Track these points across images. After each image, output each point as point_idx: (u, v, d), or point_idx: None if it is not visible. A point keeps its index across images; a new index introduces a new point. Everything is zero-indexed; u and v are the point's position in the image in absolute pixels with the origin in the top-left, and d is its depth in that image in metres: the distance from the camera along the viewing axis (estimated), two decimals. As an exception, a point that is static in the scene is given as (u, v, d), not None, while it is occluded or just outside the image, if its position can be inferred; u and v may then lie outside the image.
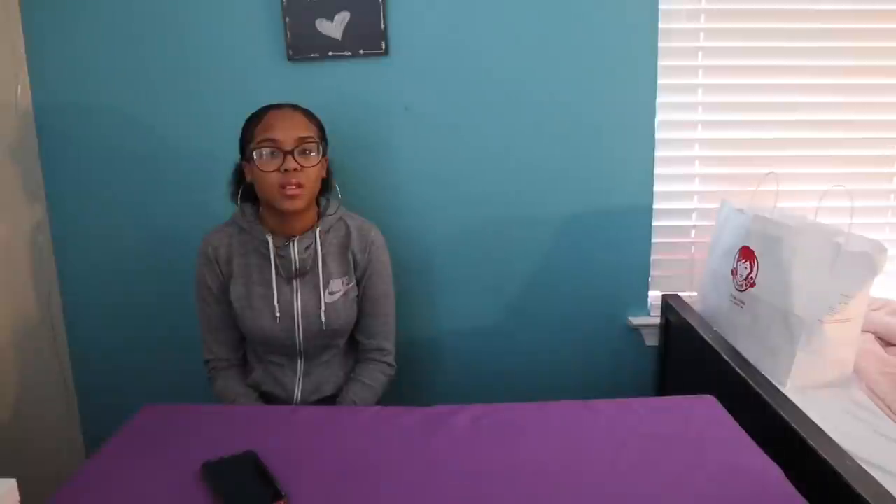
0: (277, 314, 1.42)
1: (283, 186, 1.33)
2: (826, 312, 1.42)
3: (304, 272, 1.44)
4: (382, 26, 1.71)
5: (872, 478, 1.03)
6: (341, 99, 1.77)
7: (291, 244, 1.42)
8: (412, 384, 1.94)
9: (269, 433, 1.20)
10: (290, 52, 1.73)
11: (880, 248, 1.39)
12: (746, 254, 1.58)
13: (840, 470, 1.05)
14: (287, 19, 1.70)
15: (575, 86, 1.77)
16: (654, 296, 1.93)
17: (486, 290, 1.91)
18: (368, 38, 1.72)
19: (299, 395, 1.49)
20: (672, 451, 1.13)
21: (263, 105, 1.42)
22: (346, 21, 1.71)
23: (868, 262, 1.39)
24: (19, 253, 1.76)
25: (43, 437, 1.83)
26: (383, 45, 1.73)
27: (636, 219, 1.86)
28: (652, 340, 1.93)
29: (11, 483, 0.83)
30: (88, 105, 1.79)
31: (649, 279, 1.92)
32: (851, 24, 1.81)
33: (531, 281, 1.90)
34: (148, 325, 1.92)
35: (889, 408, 1.37)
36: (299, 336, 1.45)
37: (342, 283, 1.47)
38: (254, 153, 1.34)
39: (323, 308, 1.44)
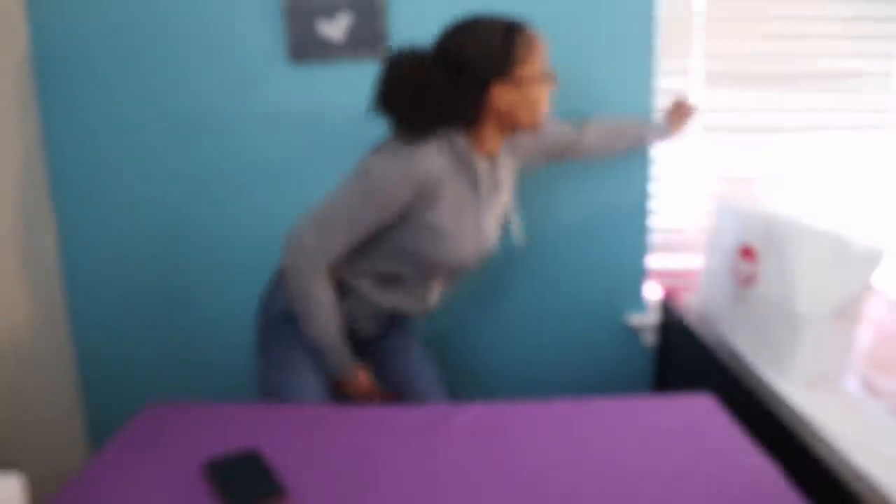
0: (481, 237, 1.38)
1: (543, 108, 1.33)
2: (827, 310, 1.42)
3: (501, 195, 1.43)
4: (384, 27, 1.72)
5: (872, 477, 1.03)
6: (342, 100, 1.78)
7: (496, 167, 1.40)
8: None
9: (271, 432, 1.21)
10: (292, 54, 1.73)
11: (881, 246, 1.40)
12: (747, 252, 1.59)
13: (838, 469, 1.06)
14: (288, 20, 1.71)
15: (573, 85, 1.77)
16: (653, 295, 1.94)
17: (485, 290, 1.91)
18: (370, 40, 1.73)
19: (432, 306, 1.49)
20: (670, 450, 1.14)
21: (506, 21, 1.27)
22: (348, 22, 1.72)
23: (869, 259, 1.40)
24: (24, 249, 1.76)
25: (48, 433, 1.84)
26: (384, 47, 1.73)
27: (633, 218, 1.87)
28: (650, 340, 1.94)
29: (18, 479, 0.83)
30: (91, 104, 1.80)
31: (647, 279, 1.93)
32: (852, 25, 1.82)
33: (528, 281, 1.90)
34: (153, 322, 1.93)
35: (889, 405, 1.37)
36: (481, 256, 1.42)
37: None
38: (534, 76, 1.29)
39: (511, 228, 1.44)
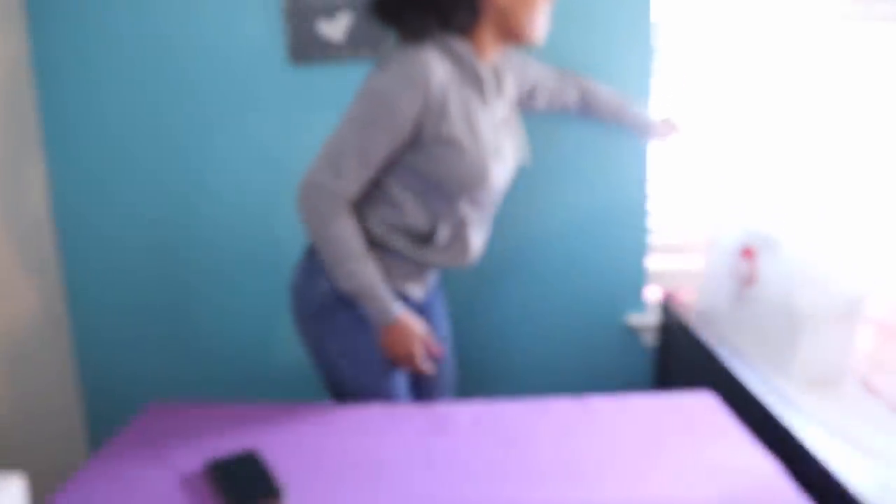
0: (499, 151, 1.30)
1: (542, 17, 1.28)
2: (827, 310, 1.43)
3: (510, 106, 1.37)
4: (384, 28, 1.71)
5: (872, 476, 1.03)
6: (342, 100, 1.77)
7: (500, 77, 1.33)
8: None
9: (271, 432, 1.21)
10: (291, 54, 1.73)
11: (880, 245, 1.40)
12: (747, 252, 1.59)
13: (839, 468, 1.06)
14: (288, 20, 1.71)
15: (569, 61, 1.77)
16: (652, 296, 1.94)
17: (485, 290, 1.91)
18: (370, 40, 1.73)
19: (476, 255, 1.39)
20: (671, 448, 1.14)
21: None
22: (348, 22, 1.72)
23: (869, 259, 1.40)
24: (24, 248, 1.76)
25: (48, 433, 1.84)
26: (384, 47, 1.73)
27: (633, 218, 1.87)
28: (650, 340, 1.94)
29: (20, 478, 0.83)
30: (90, 105, 1.80)
31: (647, 279, 1.93)
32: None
33: (528, 281, 1.90)
34: (153, 322, 1.93)
35: (889, 405, 1.37)
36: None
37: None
38: None
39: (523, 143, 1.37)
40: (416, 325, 1.31)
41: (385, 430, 1.21)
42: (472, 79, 1.26)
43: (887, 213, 1.96)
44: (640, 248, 1.89)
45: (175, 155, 1.82)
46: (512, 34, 1.27)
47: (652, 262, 1.93)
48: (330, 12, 1.71)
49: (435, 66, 1.20)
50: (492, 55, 1.30)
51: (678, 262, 1.96)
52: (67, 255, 1.90)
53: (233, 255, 1.88)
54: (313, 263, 1.35)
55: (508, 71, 1.40)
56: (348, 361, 1.35)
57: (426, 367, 1.34)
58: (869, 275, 1.42)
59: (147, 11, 1.74)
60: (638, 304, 1.92)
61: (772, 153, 1.90)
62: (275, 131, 1.80)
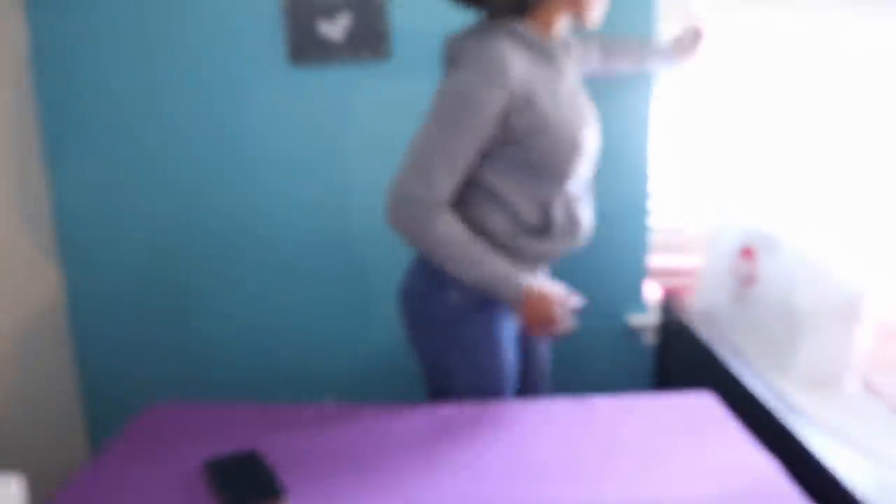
0: (585, 119, 1.28)
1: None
2: (828, 310, 1.43)
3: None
4: (384, 28, 1.72)
5: (872, 475, 1.03)
6: (342, 101, 1.78)
7: (568, 50, 1.33)
8: (411, 383, 1.95)
9: (270, 432, 1.21)
10: (291, 54, 1.74)
11: (881, 245, 1.40)
12: (747, 252, 1.59)
13: (839, 468, 1.06)
14: (288, 21, 1.71)
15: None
16: (653, 295, 1.94)
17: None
18: (370, 40, 1.73)
19: (588, 230, 1.38)
20: (671, 448, 1.14)
21: None
22: (348, 23, 1.72)
23: (869, 259, 1.40)
24: (23, 249, 1.77)
25: (48, 433, 1.84)
26: (384, 47, 1.73)
27: (633, 217, 1.87)
28: (650, 340, 1.94)
29: (17, 479, 0.83)
30: (89, 103, 1.80)
31: (647, 278, 1.93)
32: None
33: (531, 281, 1.90)
34: (153, 322, 1.93)
35: (889, 406, 1.37)
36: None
37: None
38: None
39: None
40: (549, 289, 1.27)
41: (385, 431, 1.21)
42: (547, 58, 1.26)
43: (887, 213, 1.96)
44: (640, 249, 1.89)
45: (175, 154, 1.83)
46: (578, 14, 1.27)
47: (652, 262, 1.93)
48: (330, 12, 1.71)
49: (513, 58, 1.19)
50: (558, 30, 1.30)
51: (678, 261, 1.96)
52: (68, 256, 1.90)
53: (232, 254, 1.88)
54: (434, 273, 1.32)
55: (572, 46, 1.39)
56: (471, 373, 1.34)
57: (568, 326, 1.30)
58: (869, 274, 1.42)
59: (147, 11, 1.74)
60: (639, 304, 1.92)
61: (772, 152, 1.90)
62: (275, 132, 1.80)
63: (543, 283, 1.26)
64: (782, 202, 1.77)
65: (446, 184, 1.20)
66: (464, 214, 1.29)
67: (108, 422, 1.98)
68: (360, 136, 1.80)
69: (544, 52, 1.26)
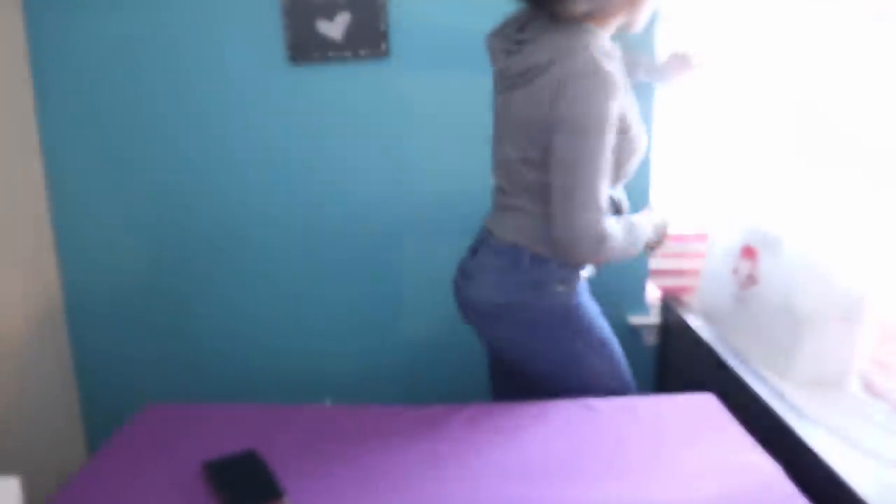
0: (639, 116, 1.34)
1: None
2: (828, 310, 1.42)
3: None
4: (383, 27, 1.72)
5: (872, 476, 1.03)
6: (342, 100, 1.78)
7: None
8: (411, 383, 1.95)
9: (270, 432, 1.21)
10: (291, 54, 1.73)
11: (882, 245, 1.40)
12: (748, 252, 1.59)
13: (839, 468, 1.06)
14: (287, 20, 1.71)
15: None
16: (653, 296, 1.93)
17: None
18: (369, 39, 1.73)
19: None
20: (672, 448, 1.13)
21: None
22: (347, 22, 1.71)
23: (869, 259, 1.40)
24: (22, 249, 1.76)
25: (47, 434, 1.84)
26: (384, 46, 1.73)
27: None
28: (651, 340, 1.94)
29: (14, 481, 0.83)
30: (89, 104, 1.80)
31: (648, 279, 1.92)
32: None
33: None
34: (152, 322, 1.93)
35: (890, 406, 1.37)
36: None
37: None
38: None
39: None
40: (663, 217, 1.44)
41: (384, 430, 1.21)
42: (617, 61, 1.30)
43: (888, 214, 1.96)
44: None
45: (174, 155, 1.82)
46: (632, 18, 1.31)
47: (653, 262, 1.92)
48: (330, 12, 1.71)
49: (606, 62, 1.22)
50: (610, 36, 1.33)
51: (678, 261, 1.95)
52: (65, 257, 1.89)
53: (232, 255, 1.88)
54: (522, 280, 1.35)
55: None
56: (601, 349, 1.41)
57: None
58: (870, 275, 1.41)
59: (147, 11, 1.74)
60: (640, 305, 1.92)
61: (774, 152, 1.89)
62: (275, 131, 1.80)
63: (657, 217, 1.43)
64: (784, 203, 1.77)
65: (604, 194, 1.25)
66: (543, 213, 1.30)
67: (107, 423, 1.96)
68: (359, 135, 1.80)
69: (614, 55, 1.30)
